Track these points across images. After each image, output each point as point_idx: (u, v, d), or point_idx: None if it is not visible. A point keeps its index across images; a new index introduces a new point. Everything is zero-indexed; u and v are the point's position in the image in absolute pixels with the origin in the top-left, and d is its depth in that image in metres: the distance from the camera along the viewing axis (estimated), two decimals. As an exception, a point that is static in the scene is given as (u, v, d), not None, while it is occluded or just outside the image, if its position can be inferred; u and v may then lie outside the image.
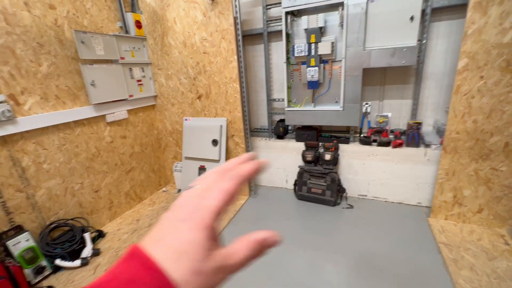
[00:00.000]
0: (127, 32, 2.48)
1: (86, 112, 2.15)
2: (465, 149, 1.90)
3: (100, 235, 2.22)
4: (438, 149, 2.15)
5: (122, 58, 2.40)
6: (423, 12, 2.01)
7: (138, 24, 2.52)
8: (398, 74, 2.33)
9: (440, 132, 2.24)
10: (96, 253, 1.99)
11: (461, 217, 2.05)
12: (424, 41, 2.09)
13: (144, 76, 2.67)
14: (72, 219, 2.08)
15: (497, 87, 1.71)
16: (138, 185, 2.76)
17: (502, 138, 1.79)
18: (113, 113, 2.38)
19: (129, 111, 2.57)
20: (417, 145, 2.25)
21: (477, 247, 1.80)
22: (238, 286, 1.65)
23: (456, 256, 1.73)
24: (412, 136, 2.26)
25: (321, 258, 1.84)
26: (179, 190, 2.95)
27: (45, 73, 1.89)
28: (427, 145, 2.23)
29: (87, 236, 2.01)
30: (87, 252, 1.95)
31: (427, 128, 2.38)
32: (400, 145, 2.29)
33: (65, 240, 1.93)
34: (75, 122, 2.10)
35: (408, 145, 2.29)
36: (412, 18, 1.96)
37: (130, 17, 2.46)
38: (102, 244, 2.13)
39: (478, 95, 1.77)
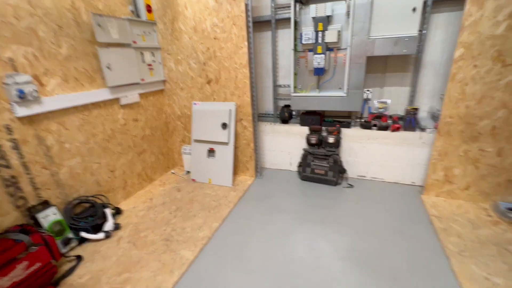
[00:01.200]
0: (138, 16, 2.52)
1: (102, 94, 2.23)
2: (457, 132, 2.10)
3: (118, 211, 2.35)
4: (432, 132, 2.35)
5: (135, 42, 2.45)
6: (425, 3, 2.15)
7: (148, 8, 2.56)
8: (398, 63, 2.49)
9: (434, 117, 2.43)
10: (117, 227, 2.13)
11: (450, 193, 2.28)
12: (424, 32, 2.24)
13: (154, 61, 2.73)
14: (93, 196, 2.20)
15: (488, 75, 1.89)
16: (149, 166, 2.87)
17: (490, 122, 1.99)
18: (126, 96, 2.46)
19: (140, 94, 2.65)
20: (413, 129, 2.45)
21: (464, 218, 2.03)
22: (254, 252, 1.84)
23: (445, 226, 1.96)
24: (409, 121, 2.44)
25: (324, 231, 2.03)
26: (188, 172, 3.09)
27: (65, 55, 1.94)
28: (423, 129, 2.42)
29: (108, 211, 2.14)
30: (109, 226, 2.08)
31: (423, 114, 2.57)
32: (398, 129, 2.48)
33: (88, 215, 2.06)
34: (93, 104, 2.18)
35: (405, 129, 2.48)
36: (414, 9, 2.09)
37: (141, 1, 2.49)
38: (121, 220, 2.27)
39: (472, 83, 1.95)
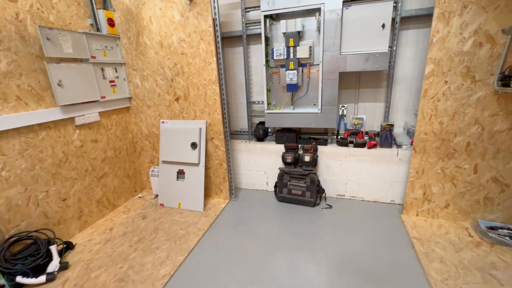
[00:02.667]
0: (98, 30, 2.34)
1: (52, 114, 1.99)
2: (433, 148, 2.04)
3: (68, 247, 2.05)
4: (409, 149, 2.28)
5: (93, 57, 2.26)
6: (393, 20, 2.14)
7: (111, 22, 2.40)
8: (371, 78, 2.45)
9: (410, 133, 2.38)
10: (64, 266, 1.84)
11: (430, 212, 2.19)
12: (394, 48, 2.22)
13: (117, 77, 2.54)
14: (36, 231, 1.91)
15: (459, 91, 1.86)
16: (111, 191, 2.60)
17: (464, 138, 1.94)
18: (83, 115, 2.23)
19: (101, 113, 2.43)
20: (390, 145, 2.38)
21: (445, 240, 1.92)
22: (221, 292, 1.62)
23: (427, 249, 1.84)
24: (385, 137, 2.38)
25: (302, 259, 1.85)
26: (156, 196, 2.83)
27: (4, 71, 1.72)
28: (399, 146, 2.36)
29: (53, 248, 1.85)
30: (53, 266, 1.79)
31: (398, 130, 2.52)
32: (374, 146, 2.40)
33: (28, 255, 1.76)
34: (40, 125, 1.94)
35: (381, 145, 2.41)
36: (383, 26, 2.07)
37: (101, 14, 2.33)
38: (71, 257, 1.97)
39: (443, 99, 1.91)
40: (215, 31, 2.24)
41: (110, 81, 2.47)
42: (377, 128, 2.56)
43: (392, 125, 2.35)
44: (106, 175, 2.54)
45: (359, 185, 2.54)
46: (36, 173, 1.93)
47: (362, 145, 2.44)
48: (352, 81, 2.51)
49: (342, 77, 2.43)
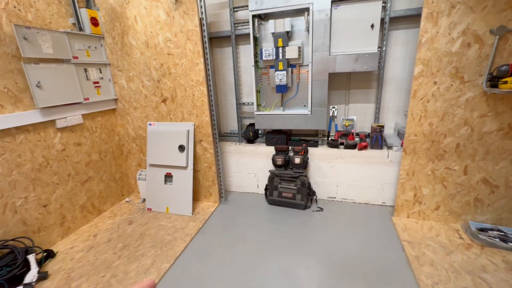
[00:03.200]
0: (81, 29, 2.27)
1: (30, 117, 1.91)
2: (423, 150, 2.02)
3: (49, 255, 1.97)
4: (399, 150, 2.26)
5: (75, 57, 2.18)
6: (382, 20, 2.11)
7: (94, 21, 2.32)
8: (361, 79, 2.42)
9: (400, 134, 2.36)
10: (42, 276, 1.75)
11: (421, 214, 2.17)
12: (384, 48, 2.20)
13: (102, 78, 2.46)
14: (13, 240, 1.82)
15: (448, 92, 1.84)
16: (96, 196, 2.52)
17: (454, 139, 1.92)
18: (65, 118, 2.15)
19: (84, 115, 2.34)
20: (380, 147, 2.35)
21: (436, 242, 1.90)
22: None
23: (418, 253, 1.81)
24: (375, 139, 2.35)
25: (293, 263, 1.81)
26: (144, 200, 2.76)
27: (-24, 72, 1.63)
28: (389, 147, 2.34)
29: (31, 258, 1.76)
30: (31, 276, 1.71)
31: (389, 131, 2.50)
32: (365, 147, 2.38)
33: (3, 265, 1.67)
34: (17, 128, 1.85)
35: (372, 147, 2.38)
36: (372, 26, 2.04)
37: (84, 13, 2.25)
38: (52, 266, 1.89)
39: (433, 100, 1.89)
40: (202, 31, 2.19)
41: (94, 82, 2.39)
42: (367, 129, 2.53)
43: (382, 126, 2.32)
44: (91, 179, 2.45)
45: (350, 187, 2.51)
46: (14, 179, 1.85)
47: (353, 146, 2.41)
48: (342, 82, 2.48)
49: (332, 77, 2.40)
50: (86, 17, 2.26)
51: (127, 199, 2.84)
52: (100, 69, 2.44)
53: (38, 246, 1.94)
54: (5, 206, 1.80)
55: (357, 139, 2.49)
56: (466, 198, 2.02)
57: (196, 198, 2.72)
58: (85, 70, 2.29)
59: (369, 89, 2.43)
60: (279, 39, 2.24)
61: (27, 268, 1.74)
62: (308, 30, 2.18)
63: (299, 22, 2.23)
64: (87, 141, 2.39)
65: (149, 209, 2.60)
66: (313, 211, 2.44)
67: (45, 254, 1.94)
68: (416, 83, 1.89)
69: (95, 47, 2.38)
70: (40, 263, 1.86)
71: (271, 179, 2.55)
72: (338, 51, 2.17)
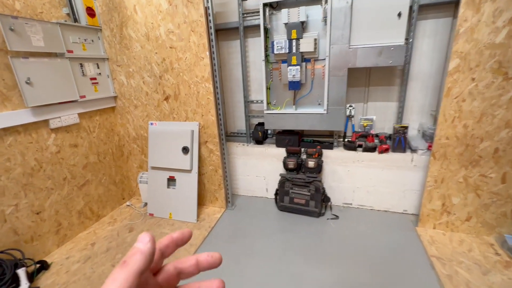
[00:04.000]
0: (76, 20, 2.08)
1: (20, 117, 1.74)
2: (455, 155, 1.80)
3: (43, 266, 1.82)
4: (425, 154, 2.04)
5: (70, 51, 2.00)
6: (410, 8, 1.88)
7: (90, 12, 2.13)
8: (383, 75, 2.20)
9: (426, 136, 2.14)
10: (34, 293, 1.60)
11: (449, 225, 1.96)
12: (411, 40, 1.96)
13: (99, 74, 2.27)
14: (2, 252, 1.66)
15: (488, 90, 1.61)
16: (95, 201, 2.36)
17: (492, 143, 1.70)
18: (59, 117, 1.98)
19: (81, 114, 2.17)
20: (403, 150, 2.14)
21: (469, 259, 1.69)
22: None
23: (449, 271, 1.61)
24: (398, 141, 2.13)
25: (307, 277, 1.62)
26: (145, 204, 2.59)
27: (-44, 68, 1.46)
28: (414, 150, 2.12)
29: (21, 272, 1.60)
30: (21, 293, 1.55)
31: (412, 132, 2.28)
32: (386, 150, 2.16)
33: (-9, 281, 1.52)
34: (5, 129, 1.68)
35: (394, 150, 2.16)
36: (399, 15, 1.81)
37: (79, 3, 2.06)
38: (45, 280, 1.74)
39: (469, 98, 1.66)
40: (207, 21, 1.98)
41: (91, 79, 2.20)
42: (388, 130, 2.31)
43: (406, 128, 2.10)
44: (89, 183, 2.29)
45: (368, 193, 2.30)
46: (2, 185, 1.69)
47: (372, 149, 2.19)
48: (361, 78, 2.25)
49: (351, 73, 2.17)
50: (81, 7, 2.07)
51: (128, 203, 2.67)
52: (97, 64, 2.25)
53: (30, 258, 1.79)
54: (-7, 215, 1.65)
55: (376, 140, 2.28)
56: (502, 209, 1.80)
57: (201, 202, 2.54)
58: (81, 65, 2.11)
59: (391, 86, 2.21)
60: (292, 31, 2.02)
61: (17, 284, 1.59)
62: (325, 20, 1.96)
63: (315, 11, 2.01)
64: (84, 142, 2.22)
65: (151, 215, 2.43)
66: (328, 219, 2.24)
67: (38, 266, 1.79)
68: (450, 80, 1.67)
69: (92, 40, 2.19)
70: (32, 276, 1.71)
71: (282, 183, 2.35)
72: (359, 44, 1.95)
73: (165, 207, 2.38)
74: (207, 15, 1.97)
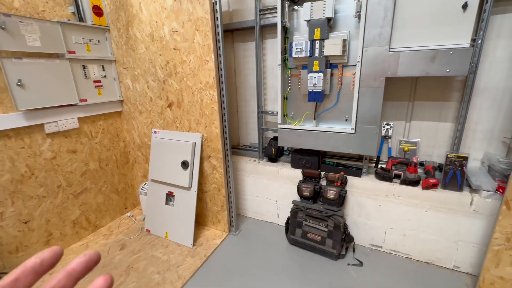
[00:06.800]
0: (81, 19, 1.96)
1: (10, 120, 1.63)
2: (543, 207, 1.24)
3: (23, 281, 1.68)
4: (492, 197, 1.49)
5: (71, 52, 1.88)
6: (482, -2, 1.37)
7: (97, 10, 2.00)
8: (435, 87, 1.69)
9: (493, 171, 1.57)
10: (0, 316, 1.45)
11: (526, 303, 1.38)
12: (479, 41, 1.44)
13: (105, 76, 2.14)
14: (-22, 264, 1.56)
15: None
16: (93, 210, 2.22)
17: None
18: (56, 121, 1.86)
19: (82, 119, 2.04)
20: (459, 188, 1.60)
21: None
22: None
23: None
24: (452, 175, 1.60)
25: None
26: (145, 217, 2.40)
27: None
28: (474, 190, 1.57)
29: (-10, 291, 1.47)
30: (-15, 316, 1.41)
31: (473, 164, 1.72)
32: (434, 186, 1.64)
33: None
34: (-6, 133, 1.59)
35: (445, 187, 1.64)
36: (465, 6, 1.32)
37: (85, 1, 1.94)
38: (19, 299, 1.59)
39: None
40: (214, 19, 1.69)
41: (95, 81, 2.07)
42: (438, 159, 1.78)
43: (465, 158, 1.56)
44: (87, 191, 2.16)
45: (405, 237, 1.79)
46: (-13, 192, 1.59)
47: (414, 182, 1.69)
48: (404, 90, 1.77)
49: (389, 83, 1.71)
50: (87, 5, 1.95)
51: (128, 214, 2.51)
52: (103, 66, 2.11)
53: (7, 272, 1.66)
54: (-27, 224, 1.55)
55: (421, 171, 1.76)
56: None
57: (202, 222, 2.27)
58: (84, 67, 1.98)
59: (445, 101, 1.68)
60: (316, 29, 1.63)
61: (-14, 302, 1.45)
62: (359, 16, 1.54)
63: (346, 6, 1.60)
64: (84, 148, 2.10)
65: (148, 231, 2.22)
66: (349, 264, 1.79)
67: (17, 281, 1.66)
68: (544, 99, 1.13)
69: (98, 41, 2.06)
70: (8, 293, 1.58)
71: (294, 213, 1.96)
72: (403, 46, 1.48)
73: (162, 224, 2.15)
74: (214, 11, 1.68)
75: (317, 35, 1.64)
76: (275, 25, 1.93)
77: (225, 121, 1.90)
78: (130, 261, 1.88)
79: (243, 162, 2.29)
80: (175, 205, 2.09)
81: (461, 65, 1.37)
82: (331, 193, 1.81)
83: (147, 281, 1.70)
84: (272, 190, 2.21)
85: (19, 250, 1.77)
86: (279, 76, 1.87)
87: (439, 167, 1.71)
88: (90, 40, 2.00)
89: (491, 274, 1.42)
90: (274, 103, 2.24)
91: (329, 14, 1.58)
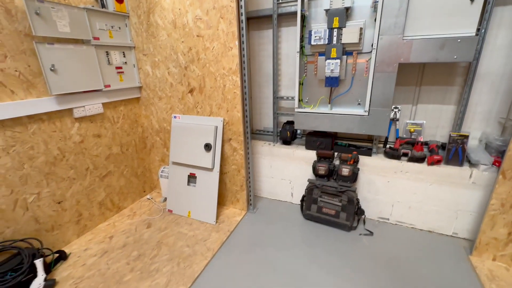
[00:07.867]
0: (103, 6, 2.00)
1: (44, 104, 1.70)
2: (534, 176, 1.44)
3: (61, 257, 1.80)
4: (489, 170, 1.69)
5: (96, 38, 1.93)
6: (487, -9, 1.52)
7: (119, -3, 2.04)
8: (440, 72, 1.86)
9: (490, 148, 1.78)
10: (49, 285, 1.57)
11: (515, 259, 1.61)
12: (483, 31, 1.60)
13: (125, 63, 2.20)
14: (22, 240, 1.66)
15: None
16: (116, 192, 2.33)
17: None
18: (83, 106, 1.93)
19: (105, 104, 2.12)
20: (460, 163, 1.80)
21: (543, 307, 1.36)
22: None
23: (518, 320, 1.29)
24: (454, 152, 1.80)
25: (336, 310, 1.41)
26: (165, 199, 2.52)
27: (-18, 52, 1.43)
28: (473, 165, 1.77)
29: (38, 263, 1.58)
30: (36, 285, 1.53)
31: (472, 142, 1.92)
32: (438, 162, 1.84)
33: (9, 269, 1.51)
34: (30, 117, 1.65)
35: (448, 162, 1.83)
36: (472, -1, 1.47)
37: (108, -12, 1.97)
38: (61, 271, 1.71)
39: None
40: (238, 7, 1.78)
41: (117, 68, 2.13)
42: (441, 138, 1.97)
43: (466, 137, 1.76)
44: (111, 174, 2.25)
45: (410, 209, 2.00)
46: (25, 173, 1.67)
47: (420, 159, 1.88)
48: (412, 76, 1.93)
49: (401, 69, 1.87)
50: (109, -8, 1.98)
51: (148, 196, 2.63)
52: (123, 52, 2.17)
53: (48, 248, 1.77)
54: (15, 203, 1.64)
55: (425, 150, 1.95)
56: None
57: (221, 202, 2.41)
58: (107, 53, 2.04)
59: (449, 86, 1.86)
60: (334, 18, 1.76)
61: (34, 273, 1.57)
62: (375, 6, 1.67)
63: (364, -4, 1.72)
64: (107, 132, 2.18)
65: (170, 211, 2.35)
66: (361, 234, 1.99)
67: (57, 255, 1.77)
68: (539, 81, 1.31)
69: (119, 27, 2.11)
70: (50, 266, 1.69)
71: (310, 190, 2.13)
72: (416, 34, 1.63)
73: (184, 204, 2.28)
74: (238, 0, 1.77)
75: (336, 23, 1.76)
76: (291, 13, 2.04)
77: (246, 105, 2.02)
78: (159, 237, 2.02)
79: (258, 145, 2.43)
80: (197, 185, 2.22)
81: (468, 52, 1.53)
82: (345, 171, 1.98)
83: (179, 253, 1.84)
84: (287, 171, 2.36)
85: (54, 228, 1.87)
86: (297, 63, 1.99)
87: (442, 146, 1.91)
88: (112, 27, 2.05)
89: (487, 236, 1.64)
90: (287, 89, 2.37)
91: (348, 4, 1.70)
